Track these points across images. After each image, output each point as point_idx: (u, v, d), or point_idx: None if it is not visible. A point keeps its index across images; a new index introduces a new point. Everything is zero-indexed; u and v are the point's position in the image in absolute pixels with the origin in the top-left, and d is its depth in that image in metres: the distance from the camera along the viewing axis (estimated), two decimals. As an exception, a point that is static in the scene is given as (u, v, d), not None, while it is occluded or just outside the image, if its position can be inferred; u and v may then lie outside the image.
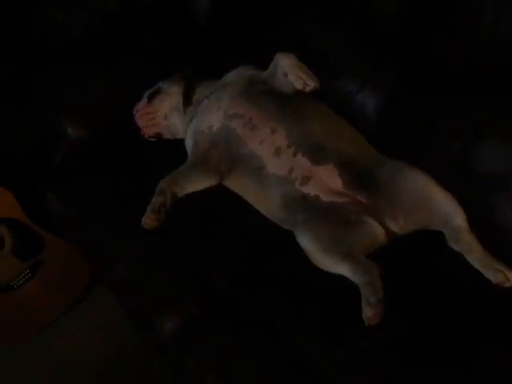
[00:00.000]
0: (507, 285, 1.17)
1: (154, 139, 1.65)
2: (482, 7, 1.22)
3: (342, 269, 1.22)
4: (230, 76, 1.56)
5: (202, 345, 1.24)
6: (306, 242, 1.27)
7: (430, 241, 1.28)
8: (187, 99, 1.58)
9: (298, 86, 1.37)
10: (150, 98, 1.63)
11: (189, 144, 1.52)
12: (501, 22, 1.18)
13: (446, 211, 1.25)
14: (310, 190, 1.33)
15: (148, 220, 1.34)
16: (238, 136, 1.41)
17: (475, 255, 1.22)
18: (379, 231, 1.29)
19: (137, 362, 1.78)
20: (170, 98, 1.61)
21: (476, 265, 1.21)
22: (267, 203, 1.38)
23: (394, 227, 1.30)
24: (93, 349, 1.87)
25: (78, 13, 1.91)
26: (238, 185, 1.43)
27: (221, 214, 1.44)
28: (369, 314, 1.12)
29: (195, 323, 1.27)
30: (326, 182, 1.33)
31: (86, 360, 1.84)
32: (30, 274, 1.82)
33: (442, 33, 1.35)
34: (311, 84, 1.36)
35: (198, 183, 1.44)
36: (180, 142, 1.58)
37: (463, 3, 1.29)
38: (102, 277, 1.68)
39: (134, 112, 1.64)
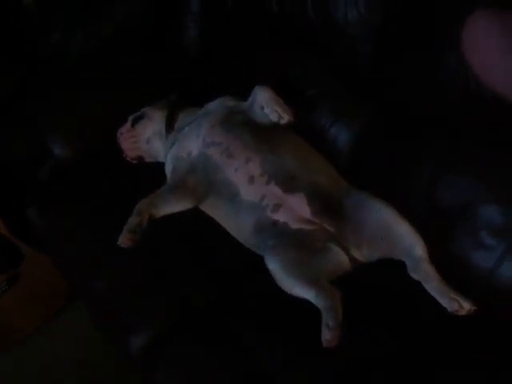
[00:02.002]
0: (461, 313, 1.22)
1: (135, 161, 1.71)
2: (446, 56, 1.31)
3: (306, 293, 1.26)
4: (212, 105, 1.63)
5: (171, 360, 1.28)
6: (273, 266, 1.31)
7: (393, 269, 1.34)
8: (169, 125, 1.65)
9: (274, 118, 1.44)
10: (134, 122, 1.70)
11: (168, 168, 1.58)
12: (460, 69, 1.27)
13: (407, 242, 1.31)
14: (280, 217, 1.39)
15: (124, 239, 1.39)
16: (215, 163, 1.47)
17: (432, 284, 1.26)
18: (344, 258, 1.35)
19: (111, 378, 1.81)
20: (153, 123, 1.67)
21: (433, 293, 1.26)
22: (240, 228, 1.44)
23: (358, 255, 1.36)
24: (67, 365, 1.89)
25: (73, 34, 1.97)
26: (213, 209, 1.49)
27: (199, 233, 1.49)
28: (327, 337, 1.17)
29: (166, 338, 1.31)
30: (296, 210, 1.39)
31: (59, 377, 1.86)
32: (6, 287, 1.85)
33: (410, 73, 1.44)
34: (286, 117, 1.43)
35: (175, 206, 1.49)
36: (161, 165, 1.64)
37: (431, 46, 1.38)
38: (78, 292, 1.72)
39: (118, 135, 1.71)
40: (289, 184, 1.40)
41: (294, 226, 1.38)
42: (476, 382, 1.13)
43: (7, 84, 1.82)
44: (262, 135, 1.47)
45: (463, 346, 1.20)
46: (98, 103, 1.78)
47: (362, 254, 1.36)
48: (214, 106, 1.62)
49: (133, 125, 1.70)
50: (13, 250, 1.87)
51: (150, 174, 1.65)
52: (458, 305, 1.23)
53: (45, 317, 2.00)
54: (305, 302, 1.26)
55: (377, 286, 1.33)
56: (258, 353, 1.23)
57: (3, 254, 1.83)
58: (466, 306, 1.22)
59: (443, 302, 1.25)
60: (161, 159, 1.66)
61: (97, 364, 1.86)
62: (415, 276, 1.29)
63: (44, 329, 1.99)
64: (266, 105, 1.45)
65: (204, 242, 1.48)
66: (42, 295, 1.97)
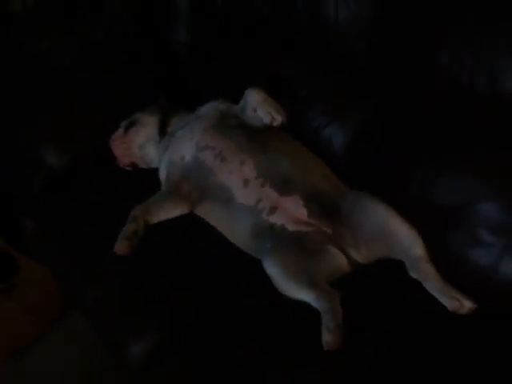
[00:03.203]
0: (462, 312, 1.21)
1: (129, 168, 1.70)
2: (439, 53, 1.30)
3: (304, 295, 1.25)
4: (204, 109, 1.62)
5: (167, 371, 1.27)
6: (271, 269, 1.30)
7: (392, 269, 1.33)
8: (162, 130, 1.64)
9: (266, 120, 1.43)
10: (126, 129, 1.68)
11: (162, 174, 1.57)
12: (454, 66, 1.26)
13: (406, 242, 1.30)
14: (277, 219, 1.38)
15: (120, 247, 1.38)
16: (209, 167, 1.46)
17: (433, 283, 1.26)
18: (342, 260, 1.34)
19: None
20: (146, 128, 1.66)
21: (433, 292, 1.25)
22: (236, 232, 1.43)
23: (356, 256, 1.35)
24: (65, 375, 1.87)
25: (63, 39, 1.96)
26: (209, 214, 1.48)
27: (195, 239, 1.47)
28: (328, 339, 1.16)
29: (161, 350, 1.30)
30: (292, 212, 1.38)
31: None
32: (2, 298, 1.84)
33: (404, 71, 1.43)
34: (279, 118, 1.42)
35: (169, 211, 1.48)
36: (154, 171, 1.63)
37: (424, 43, 1.37)
38: (75, 302, 1.70)
39: (111, 142, 1.70)
40: (284, 186, 1.39)
41: (291, 228, 1.37)
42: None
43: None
44: (255, 138, 1.46)
45: (463, 346, 1.19)
46: (89, 110, 1.75)
47: (360, 255, 1.35)
48: (206, 109, 1.61)
49: (125, 131, 1.68)
50: (8, 261, 1.86)
51: (144, 181, 1.64)
52: (458, 304, 1.22)
53: (41, 327, 1.98)
54: (305, 307, 1.25)
55: (376, 287, 1.32)
56: (257, 364, 1.21)
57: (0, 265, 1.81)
58: (466, 305, 1.21)
59: (444, 301, 1.24)
60: (154, 165, 1.65)
61: (96, 373, 1.84)
62: (415, 275, 1.29)
63: (41, 339, 1.97)
64: (258, 107, 1.44)
65: (201, 247, 1.46)
66: (39, 305, 1.96)
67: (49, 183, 1.74)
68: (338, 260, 1.34)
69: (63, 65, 1.84)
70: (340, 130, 1.53)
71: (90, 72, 1.83)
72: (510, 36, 1.18)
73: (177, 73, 1.90)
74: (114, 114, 1.74)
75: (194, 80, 1.86)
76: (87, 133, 1.74)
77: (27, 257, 1.85)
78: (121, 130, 1.69)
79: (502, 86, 1.21)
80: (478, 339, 1.20)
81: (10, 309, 1.88)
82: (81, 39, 1.87)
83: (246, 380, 1.19)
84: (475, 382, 1.13)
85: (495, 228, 1.26)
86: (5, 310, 1.86)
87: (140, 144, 1.66)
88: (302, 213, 1.38)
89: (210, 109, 1.60)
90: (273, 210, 1.38)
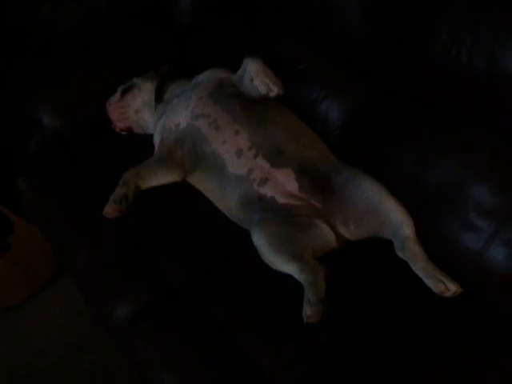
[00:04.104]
0: (447, 295, 1.20)
1: (124, 133, 1.69)
2: (438, 33, 1.27)
3: (289, 268, 1.25)
4: (202, 77, 1.60)
5: (152, 334, 1.27)
6: (258, 240, 1.30)
7: (380, 248, 1.32)
8: (159, 96, 1.63)
9: (263, 90, 1.41)
10: (124, 93, 1.67)
11: (156, 140, 1.56)
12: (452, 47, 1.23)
13: (395, 221, 1.29)
14: (267, 191, 1.37)
15: (109, 210, 1.38)
16: (203, 135, 1.45)
17: (419, 264, 1.25)
18: (330, 235, 1.33)
19: (98, 350, 1.81)
20: (143, 94, 1.65)
21: (419, 273, 1.24)
22: (227, 202, 1.42)
23: (344, 233, 1.34)
24: (54, 334, 1.89)
25: (65, 3, 1.95)
26: (201, 182, 1.47)
27: (185, 210, 1.47)
28: (308, 312, 1.16)
29: (147, 312, 1.30)
30: (283, 185, 1.37)
31: (46, 345, 1.87)
32: (-4, 257, 1.86)
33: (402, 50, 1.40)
34: (275, 90, 1.40)
35: (161, 178, 1.48)
36: (150, 137, 1.61)
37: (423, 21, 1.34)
38: (63, 263, 1.71)
39: (107, 105, 1.69)
40: (277, 158, 1.38)
41: (281, 200, 1.36)
42: (450, 366, 1.12)
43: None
44: (251, 108, 1.44)
45: (443, 328, 1.19)
46: (88, 74, 1.75)
47: (348, 232, 1.34)
48: (203, 77, 1.60)
49: (122, 95, 1.68)
50: (4, 219, 1.87)
51: (139, 146, 1.63)
52: (443, 286, 1.21)
53: (34, 287, 2.00)
54: (289, 282, 1.25)
55: (363, 265, 1.32)
56: (235, 331, 1.22)
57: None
58: (451, 288, 1.20)
59: (429, 282, 1.23)
60: (150, 131, 1.65)
61: (84, 334, 1.86)
62: (402, 255, 1.28)
63: (33, 299, 1.99)
64: (255, 76, 1.42)
65: (191, 216, 1.46)
66: (32, 266, 1.98)
67: (45, 145, 1.74)
68: (326, 235, 1.33)
69: (64, 28, 1.83)
70: (337, 105, 1.51)
71: (91, 36, 1.82)
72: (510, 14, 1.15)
73: (177, 41, 1.87)
74: (113, 79, 1.73)
75: (194, 49, 1.84)
76: (85, 96, 1.74)
77: (21, 217, 1.85)
78: (118, 94, 1.69)
79: (503, 66, 1.18)
80: (458, 323, 1.20)
81: (3, 268, 1.89)
82: (83, 3, 1.85)
83: (227, 352, 1.19)
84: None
85: (486, 212, 1.24)
86: (-1, 268, 1.88)
87: (136, 109, 1.66)
88: (293, 186, 1.37)
89: (207, 77, 1.59)
90: (264, 181, 1.37)
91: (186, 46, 1.86)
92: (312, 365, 1.14)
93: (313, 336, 1.17)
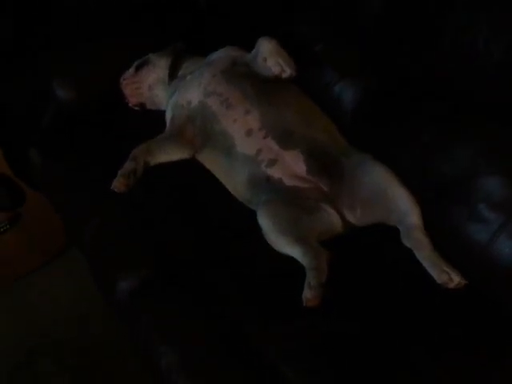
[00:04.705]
0: (450, 286, 1.19)
1: (137, 108, 1.69)
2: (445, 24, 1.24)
3: (292, 250, 1.25)
4: (216, 54, 1.59)
5: (152, 308, 1.28)
6: (263, 220, 1.30)
7: (386, 236, 1.31)
8: (173, 73, 1.62)
9: (275, 71, 1.40)
10: (138, 68, 1.67)
11: (168, 116, 1.56)
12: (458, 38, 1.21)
13: (402, 208, 1.28)
14: (275, 172, 1.36)
15: (117, 184, 1.39)
16: (214, 113, 1.44)
17: (424, 253, 1.23)
18: (336, 220, 1.32)
19: (107, 320, 1.82)
20: (157, 69, 1.65)
21: (424, 262, 1.23)
22: (234, 181, 1.42)
23: (351, 218, 1.33)
24: (67, 305, 1.92)
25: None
26: (210, 160, 1.47)
27: (194, 185, 1.47)
28: (308, 295, 1.15)
29: (148, 287, 1.31)
30: (291, 167, 1.36)
31: (59, 315, 1.89)
32: (8, 226, 1.88)
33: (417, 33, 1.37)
34: (288, 71, 1.39)
35: (171, 154, 1.48)
36: (163, 113, 1.61)
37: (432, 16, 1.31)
38: (72, 235, 1.73)
39: (121, 80, 1.69)
40: (286, 140, 1.37)
41: (288, 182, 1.36)
42: (452, 364, 1.11)
43: (7, 31, 1.80)
44: (263, 88, 1.43)
45: (445, 324, 1.17)
46: (103, 49, 1.75)
47: (355, 217, 1.33)
48: (217, 55, 1.59)
49: (137, 70, 1.67)
50: (16, 189, 1.89)
51: (152, 123, 1.63)
52: (447, 277, 1.19)
53: (45, 257, 2.02)
54: (293, 265, 1.24)
55: (366, 254, 1.30)
56: (236, 306, 1.23)
57: (6, 194, 1.84)
58: (455, 280, 1.19)
59: (433, 272, 1.21)
60: (162, 107, 1.64)
61: (96, 304, 1.86)
62: (407, 243, 1.26)
63: (44, 269, 2.01)
64: (268, 56, 1.41)
65: (198, 193, 1.46)
66: (43, 236, 2.00)
67: (59, 118, 1.75)
68: (332, 219, 1.32)
69: (80, 3, 1.83)
70: (350, 88, 1.49)
71: (107, 10, 1.82)
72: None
73: (195, 20, 1.86)
74: (129, 55, 1.72)
75: (212, 29, 1.82)
76: (100, 71, 1.74)
77: (32, 188, 1.87)
78: (132, 70, 1.68)
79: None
80: (460, 316, 1.18)
81: (15, 237, 1.92)
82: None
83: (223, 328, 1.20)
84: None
85: (495, 204, 1.22)
86: (9, 238, 1.90)
87: (149, 84, 1.65)
88: (301, 168, 1.36)
89: (221, 55, 1.57)
90: (272, 162, 1.37)
91: (204, 24, 1.84)
92: (313, 357, 1.13)
93: (304, 321, 1.17)
